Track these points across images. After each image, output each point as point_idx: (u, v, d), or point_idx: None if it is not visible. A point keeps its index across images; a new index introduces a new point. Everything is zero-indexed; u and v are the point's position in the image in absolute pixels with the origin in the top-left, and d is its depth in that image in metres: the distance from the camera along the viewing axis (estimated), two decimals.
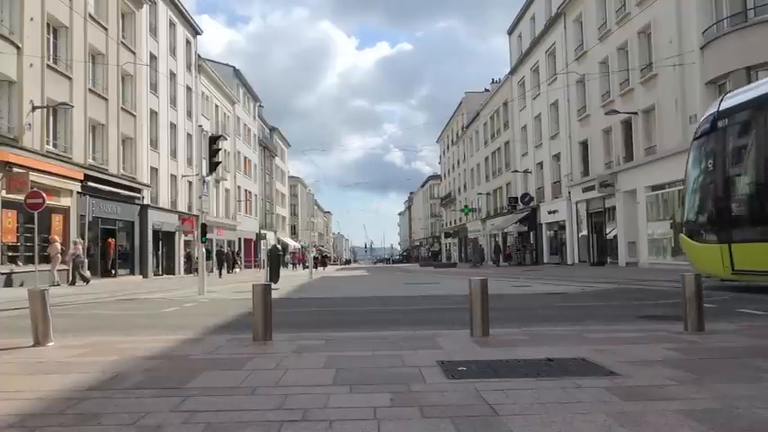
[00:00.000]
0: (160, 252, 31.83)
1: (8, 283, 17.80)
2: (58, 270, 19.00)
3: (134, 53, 27.55)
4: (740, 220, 9.98)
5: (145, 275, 28.12)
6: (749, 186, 9.96)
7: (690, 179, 11.51)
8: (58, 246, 18.99)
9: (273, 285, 8.55)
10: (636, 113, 23.15)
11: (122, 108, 26.11)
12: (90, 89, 23.25)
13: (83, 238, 21.32)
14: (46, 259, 18.81)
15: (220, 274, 30.38)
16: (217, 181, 41.09)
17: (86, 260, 21.42)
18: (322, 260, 53.85)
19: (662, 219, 21.98)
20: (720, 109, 10.70)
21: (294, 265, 52.40)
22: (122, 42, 26.35)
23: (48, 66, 20.17)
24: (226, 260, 32.95)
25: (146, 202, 28.97)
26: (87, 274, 19.83)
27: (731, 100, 10.74)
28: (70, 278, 19.16)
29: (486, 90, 54.15)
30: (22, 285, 17.57)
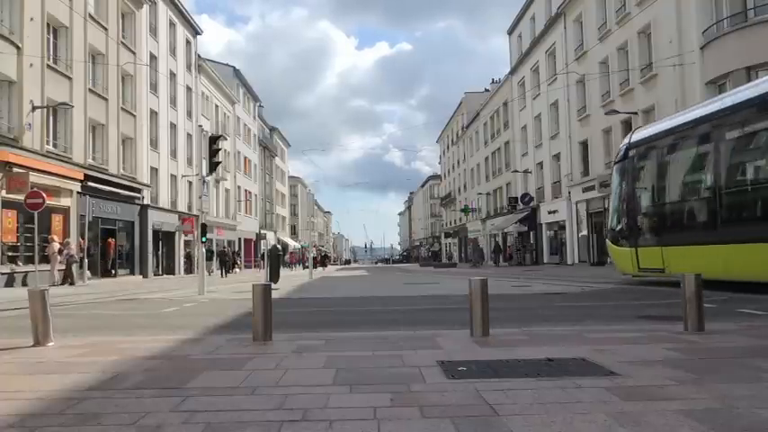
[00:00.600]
0: (160, 252, 31.83)
1: (10, 282, 17.82)
2: (58, 270, 19.03)
3: (134, 53, 27.55)
4: (641, 231, 12.98)
5: (145, 275, 28.12)
6: (647, 204, 13.01)
7: (612, 196, 14.70)
8: (56, 245, 18.99)
9: (273, 285, 8.55)
10: (636, 113, 23.15)
11: (122, 108, 26.11)
12: (90, 89, 23.25)
13: (83, 238, 21.34)
14: (46, 259, 18.82)
15: (225, 274, 30.56)
16: (217, 181, 41.10)
17: (87, 260, 21.45)
18: (322, 260, 53.71)
19: None
20: (631, 141, 13.56)
21: (290, 265, 52.14)
22: (122, 42, 26.35)
23: (48, 66, 20.17)
24: (228, 260, 33.11)
25: (146, 202, 28.97)
26: (88, 274, 19.81)
27: (639, 133, 13.56)
28: (68, 278, 19.18)
29: (486, 90, 54.15)
30: (25, 285, 17.59)
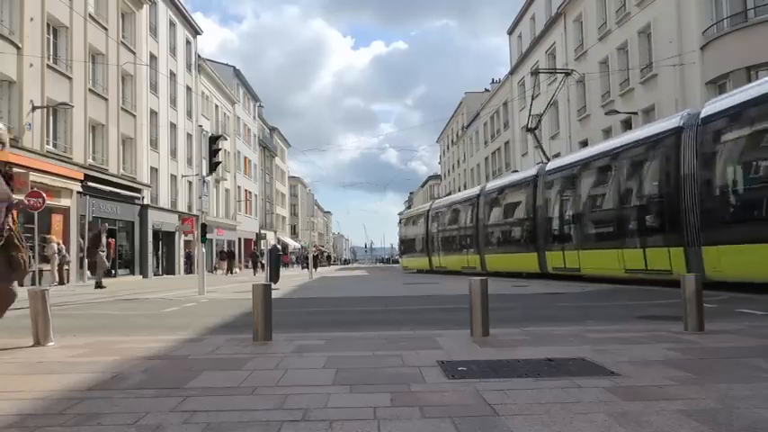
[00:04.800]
0: (160, 252, 31.84)
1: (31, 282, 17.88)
2: (58, 270, 19.05)
3: (134, 53, 27.55)
4: (405, 251, 37.39)
5: (145, 275, 28.11)
6: (407, 241, 36.23)
7: (399, 236, 40.88)
8: (55, 246, 19.00)
9: (273, 285, 8.55)
10: (636, 113, 23.14)
11: (122, 108, 26.11)
12: (90, 89, 23.25)
13: (83, 238, 21.32)
14: (46, 260, 18.83)
15: (255, 272, 32.12)
16: (217, 181, 41.09)
17: (87, 260, 21.45)
18: (319, 259, 53.56)
19: None
20: (402, 216, 40.21)
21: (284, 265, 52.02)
22: (122, 42, 26.35)
23: (48, 66, 20.17)
24: (258, 261, 34.56)
25: (146, 202, 28.98)
26: (88, 274, 19.76)
27: (403, 213, 41.81)
28: (61, 278, 19.26)
29: (486, 90, 54.16)
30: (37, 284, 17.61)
